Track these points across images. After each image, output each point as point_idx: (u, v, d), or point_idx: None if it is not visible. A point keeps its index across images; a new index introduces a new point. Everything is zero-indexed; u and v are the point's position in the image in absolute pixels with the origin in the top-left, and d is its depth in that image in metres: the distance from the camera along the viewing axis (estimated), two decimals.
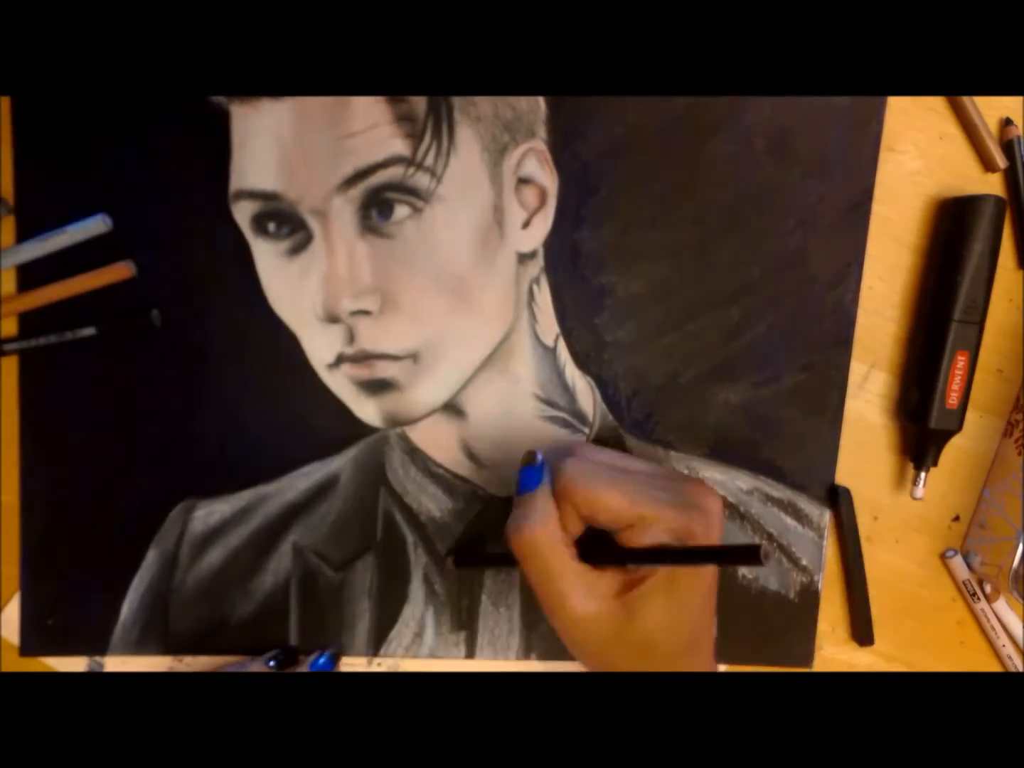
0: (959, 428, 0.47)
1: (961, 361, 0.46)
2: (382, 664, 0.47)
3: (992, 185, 0.48)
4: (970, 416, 0.47)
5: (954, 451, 0.49)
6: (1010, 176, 0.47)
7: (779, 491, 0.48)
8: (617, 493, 0.35)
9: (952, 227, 0.46)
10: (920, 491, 0.48)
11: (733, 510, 0.48)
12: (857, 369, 0.48)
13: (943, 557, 0.50)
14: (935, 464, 0.48)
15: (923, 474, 0.48)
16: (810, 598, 0.49)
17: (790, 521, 0.48)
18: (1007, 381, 0.49)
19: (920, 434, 0.48)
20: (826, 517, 0.48)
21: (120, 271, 0.43)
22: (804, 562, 0.48)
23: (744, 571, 0.48)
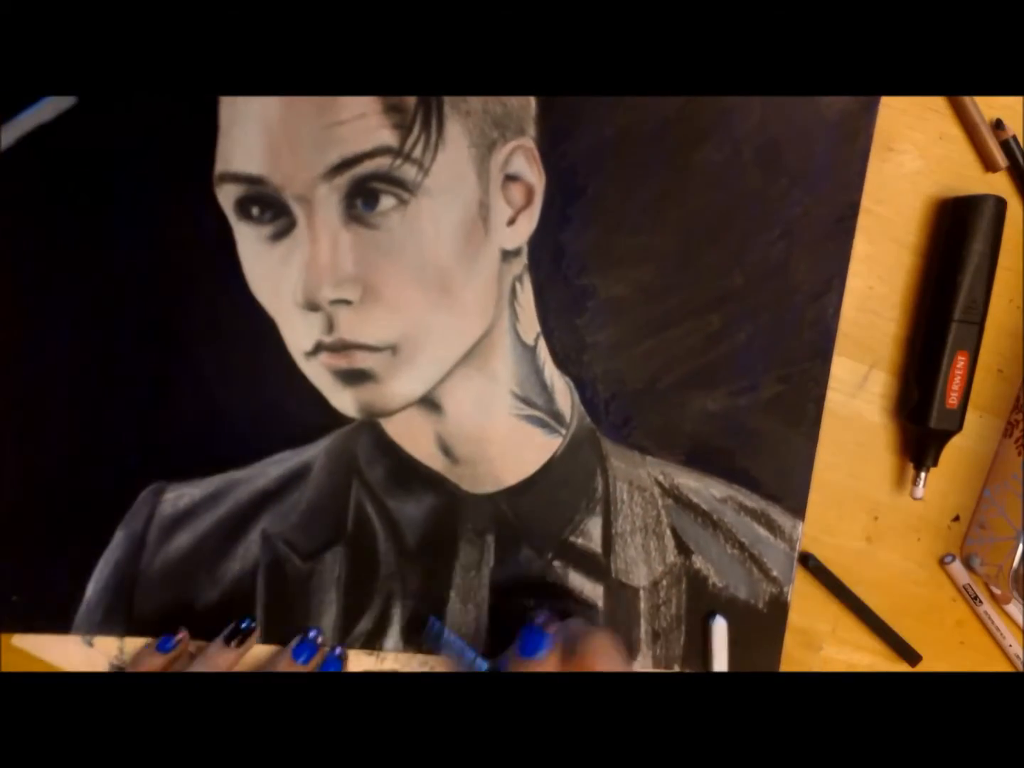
0: (959, 428, 0.47)
1: (961, 361, 0.46)
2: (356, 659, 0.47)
3: (992, 185, 0.48)
4: (970, 416, 0.47)
5: (954, 451, 0.49)
6: (1014, 174, 0.47)
7: (753, 501, 0.48)
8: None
9: (952, 227, 0.46)
10: (920, 491, 0.48)
11: (706, 518, 0.48)
12: (857, 369, 0.48)
13: (942, 563, 0.50)
14: (935, 464, 0.48)
15: (923, 474, 0.48)
16: (779, 609, 0.48)
17: (763, 531, 0.48)
18: (1007, 381, 0.49)
19: (920, 434, 0.48)
20: (799, 529, 0.48)
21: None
22: (775, 573, 0.48)
23: (715, 579, 0.48)
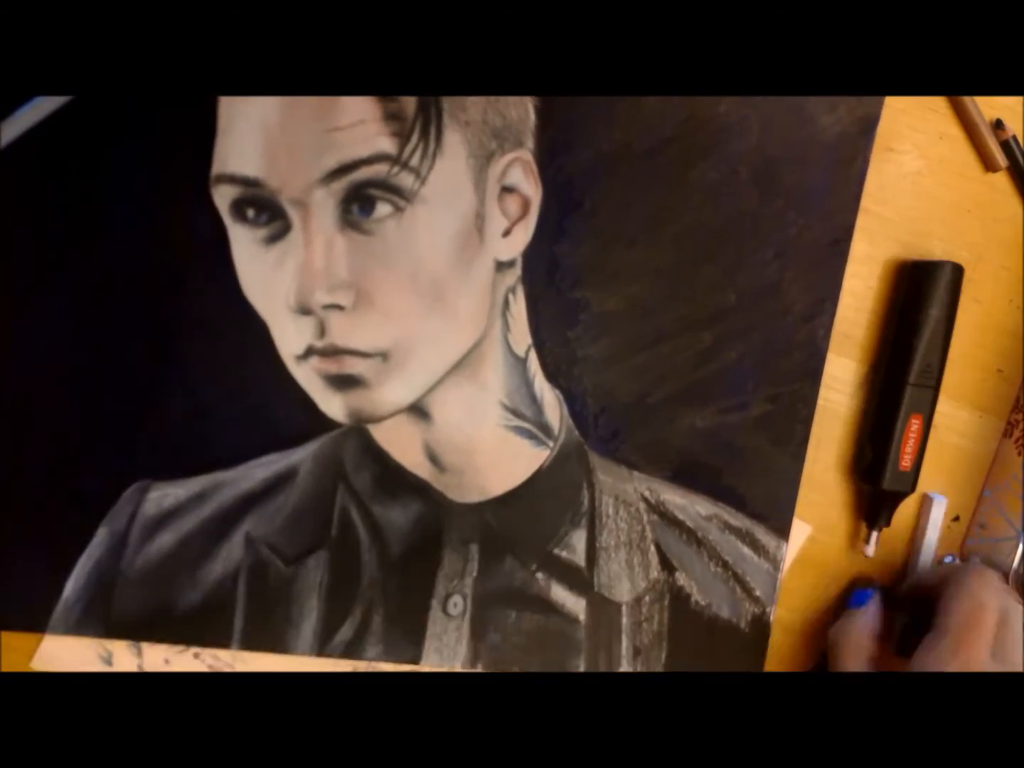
0: (912, 490, 0.47)
1: (915, 424, 0.46)
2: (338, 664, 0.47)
3: (993, 184, 0.48)
4: (970, 416, 0.48)
5: (954, 451, 0.49)
6: (1014, 174, 0.48)
7: (738, 520, 0.48)
8: None
9: (910, 291, 0.46)
10: (871, 549, 0.48)
11: (691, 535, 0.48)
12: (857, 370, 0.48)
13: (941, 564, 0.50)
14: (888, 524, 0.48)
15: (875, 533, 0.48)
16: (760, 630, 0.48)
17: (747, 551, 0.48)
18: (1007, 381, 0.50)
19: (873, 494, 0.48)
20: (783, 549, 0.48)
21: None
22: (757, 593, 0.48)
23: (697, 597, 0.48)
